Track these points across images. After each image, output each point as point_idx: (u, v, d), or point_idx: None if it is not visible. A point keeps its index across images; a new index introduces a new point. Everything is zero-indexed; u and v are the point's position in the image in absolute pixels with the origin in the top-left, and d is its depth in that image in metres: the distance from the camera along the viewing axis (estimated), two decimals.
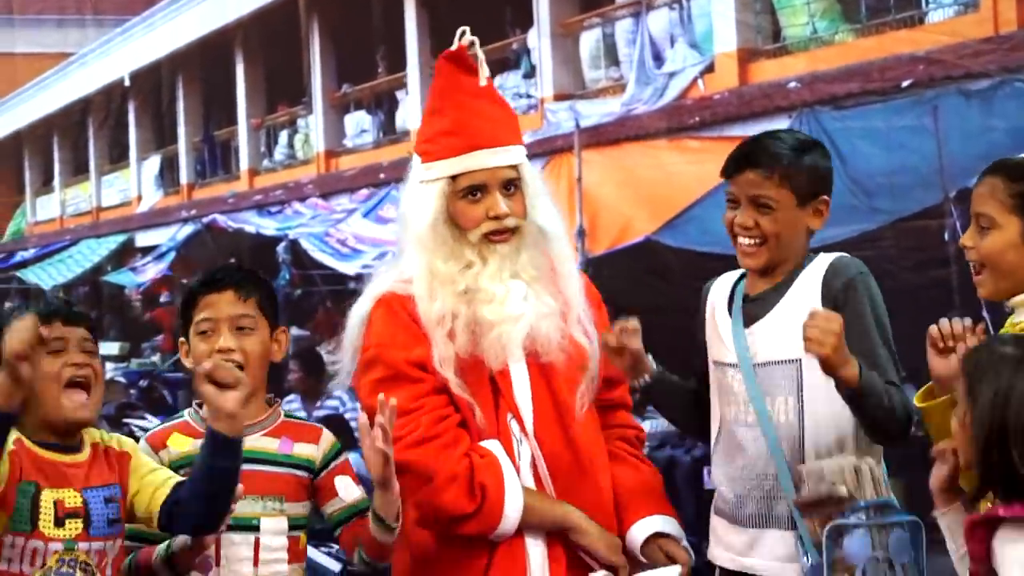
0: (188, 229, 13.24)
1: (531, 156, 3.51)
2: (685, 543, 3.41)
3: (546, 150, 9.15)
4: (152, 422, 8.04)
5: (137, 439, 3.33)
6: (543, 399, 3.35)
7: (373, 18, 11.95)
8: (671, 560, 3.34)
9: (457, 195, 3.36)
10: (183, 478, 3.09)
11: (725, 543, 3.31)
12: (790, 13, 8.55)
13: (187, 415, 3.40)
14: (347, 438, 10.28)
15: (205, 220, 13.07)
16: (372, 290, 3.42)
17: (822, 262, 3.28)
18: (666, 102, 9.09)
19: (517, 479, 3.29)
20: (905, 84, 7.62)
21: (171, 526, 3.08)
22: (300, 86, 12.52)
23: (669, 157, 8.89)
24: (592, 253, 8.76)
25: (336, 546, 3.80)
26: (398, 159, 11.50)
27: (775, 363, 3.22)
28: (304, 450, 3.40)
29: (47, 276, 14.23)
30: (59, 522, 2.97)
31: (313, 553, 5.55)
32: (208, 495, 2.98)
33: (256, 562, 3.29)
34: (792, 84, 8.34)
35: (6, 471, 2.89)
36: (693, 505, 6.27)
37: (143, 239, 13.95)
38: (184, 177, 13.64)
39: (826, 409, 3.19)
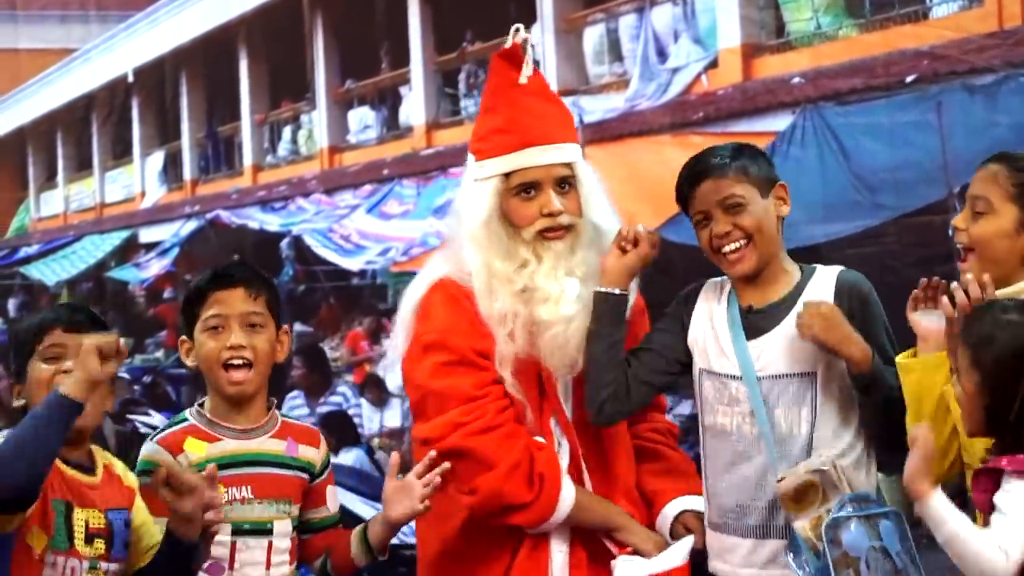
0: (192, 225, 13.24)
1: None
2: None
3: None
4: (155, 418, 8.05)
5: (142, 436, 3.33)
6: (581, 401, 3.37)
7: (376, 14, 11.95)
8: (689, 533, 3.36)
9: (510, 193, 3.36)
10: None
11: (725, 554, 3.32)
12: (794, 8, 8.54)
13: (191, 418, 3.37)
14: (351, 434, 10.27)
15: (209, 216, 13.08)
16: (427, 275, 3.42)
17: (826, 275, 3.31)
18: (670, 98, 9.09)
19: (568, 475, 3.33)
20: (909, 79, 7.62)
21: None
22: (304, 82, 12.52)
23: (673, 153, 8.88)
24: None
25: None
26: (401, 155, 11.51)
27: (789, 376, 3.23)
28: (307, 453, 3.40)
29: (50, 272, 14.24)
30: (88, 540, 3.01)
31: None
32: None
33: (268, 565, 3.29)
34: (796, 79, 8.34)
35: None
36: None
37: (147, 235, 13.95)
38: (188, 173, 13.65)
39: (838, 420, 3.23)
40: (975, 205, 3.08)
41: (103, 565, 3.02)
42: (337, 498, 3.45)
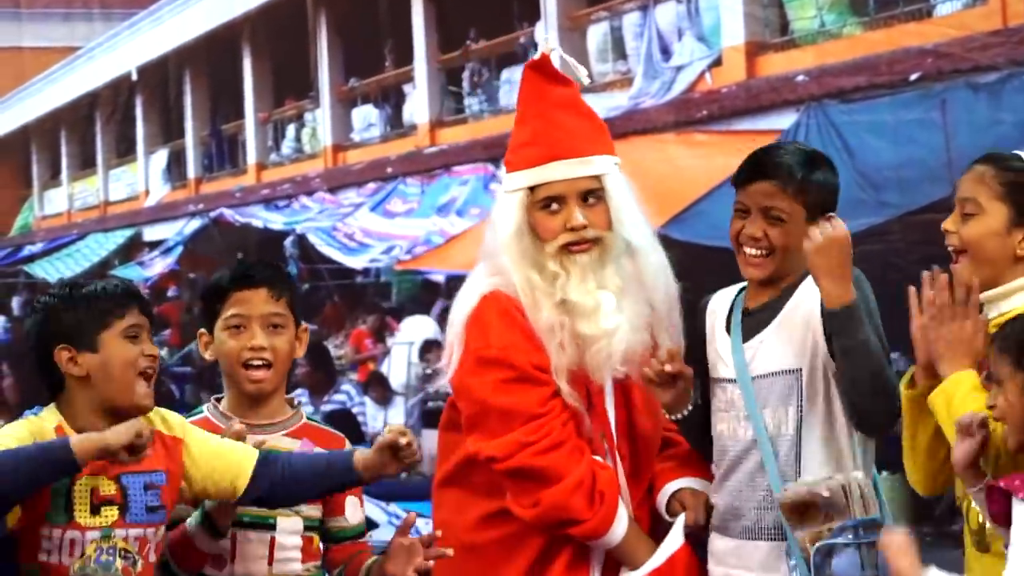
0: (195, 223, 13.26)
1: None
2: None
3: None
4: None
5: None
6: (622, 415, 3.40)
7: (380, 12, 11.96)
8: (684, 510, 3.37)
9: (536, 206, 3.36)
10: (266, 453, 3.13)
11: (717, 555, 3.33)
12: (798, 6, 8.55)
13: (207, 411, 3.38)
14: (355, 433, 10.29)
15: (212, 214, 13.10)
16: (475, 286, 3.41)
17: None
18: (673, 96, 9.10)
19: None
20: (913, 77, 7.62)
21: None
22: (307, 80, 12.54)
23: (676, 151, 8.89)
24: None
25: None
26: (405, 153, 11.53)
27: (775, 374, 3.23)
28: None
29: (54, 270, 14.25)
30: (95, 509, 2.96)
31: None
32: None
33: (271, 560, 3.28)
34: (800, 77, 8.34)
35: None
36: None
37: (150, 233, 13.97)
38: (191, 171, 13.66)
39: (825, 421, 3.20)
40: (964, 207, 3.08)
41: (119, 532, 2.98)
42: (360, 510, 3.40)
